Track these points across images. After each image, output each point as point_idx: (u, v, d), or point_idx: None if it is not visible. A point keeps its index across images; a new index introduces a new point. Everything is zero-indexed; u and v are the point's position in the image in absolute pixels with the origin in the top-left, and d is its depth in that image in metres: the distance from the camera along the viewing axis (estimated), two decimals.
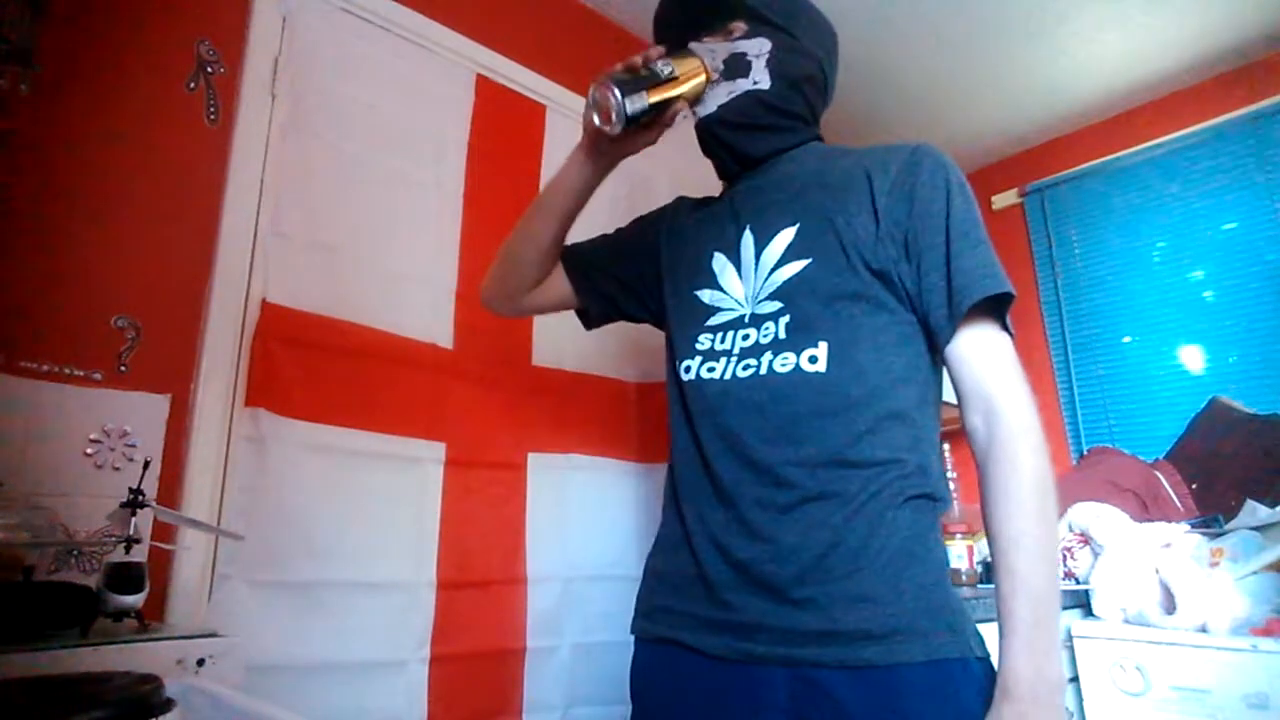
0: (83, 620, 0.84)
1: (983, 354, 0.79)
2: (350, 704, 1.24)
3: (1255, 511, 1.72)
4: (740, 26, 0.93)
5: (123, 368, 1.15)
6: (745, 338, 0.87)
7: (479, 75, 1.71)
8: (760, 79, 0.90)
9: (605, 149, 0.97)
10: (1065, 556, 1.93)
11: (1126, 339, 2.50)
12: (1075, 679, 1.76)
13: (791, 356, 0.82)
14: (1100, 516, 1.90)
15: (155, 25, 1.27)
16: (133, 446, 1.12)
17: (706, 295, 0.93)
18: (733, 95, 0.91)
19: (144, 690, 0.56)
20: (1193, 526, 1.83)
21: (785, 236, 0.88)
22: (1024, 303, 2.75)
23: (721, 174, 1.02)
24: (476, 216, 1.62)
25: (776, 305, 0.85)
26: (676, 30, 0.98)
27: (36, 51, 1.13)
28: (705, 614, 0.81)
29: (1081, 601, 1.85)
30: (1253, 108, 2.29)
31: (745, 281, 0.90)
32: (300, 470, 1.27)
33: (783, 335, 0.83)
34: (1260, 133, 2.29)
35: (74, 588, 0.87)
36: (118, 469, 1.09)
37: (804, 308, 0.83)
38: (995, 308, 0.79)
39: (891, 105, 2.55)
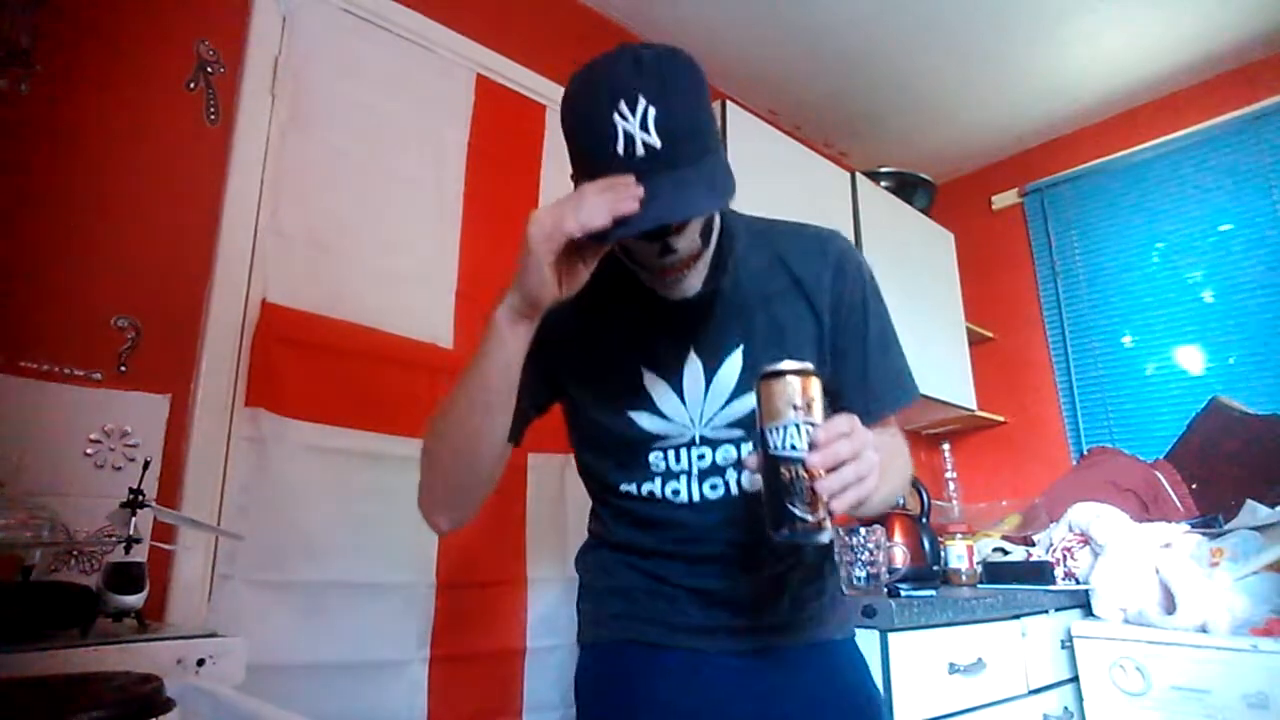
0: (83, 620, 0.84)
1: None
2: (350, 704, 1.24)
3: (1255, 511, 1.72)
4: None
5: (123, 368, 1.15)
6: (701, 458, 0.84)
7: (479, 75, 1.71)
8: (716, 222, 0.82)
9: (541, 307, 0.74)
10: (1065, 556, 1.93)
11: (1126, 339, 2.50)
12: (1075, 679, 1.76)
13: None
14: (1100, 516, 1.90)
15: (155, 25, 1.27)
16: (133, 446, 1.12)
17: (645, 420, 0.85)
18: (710, 257, 0.81)
19: (144, 690, 0.56)
20: (1193, 526, 1.83)
21: (735, 363, 0.83)
22: (1024, 303, 2.75)
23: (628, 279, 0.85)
24: (476, 216, 1.62)
25: (736, 433, 0.83)
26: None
27: (36, 51, 1.13)
28: (667, 620, 0.86)
29: (1081, 601, 1.85)
30: (1253, 108, 2.29)
31: (691, 407, 0.84)
32: (300, 470, 1.27)
33: (744, 454, 0.83)
34: (1260, 133, 2.29)
35: (74, 588, 0.86)
36: (118, 469, 1.09)
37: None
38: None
39: (892, 105, 2.55)
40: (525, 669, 1.49)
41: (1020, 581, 1.90)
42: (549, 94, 1.82)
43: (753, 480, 0.66)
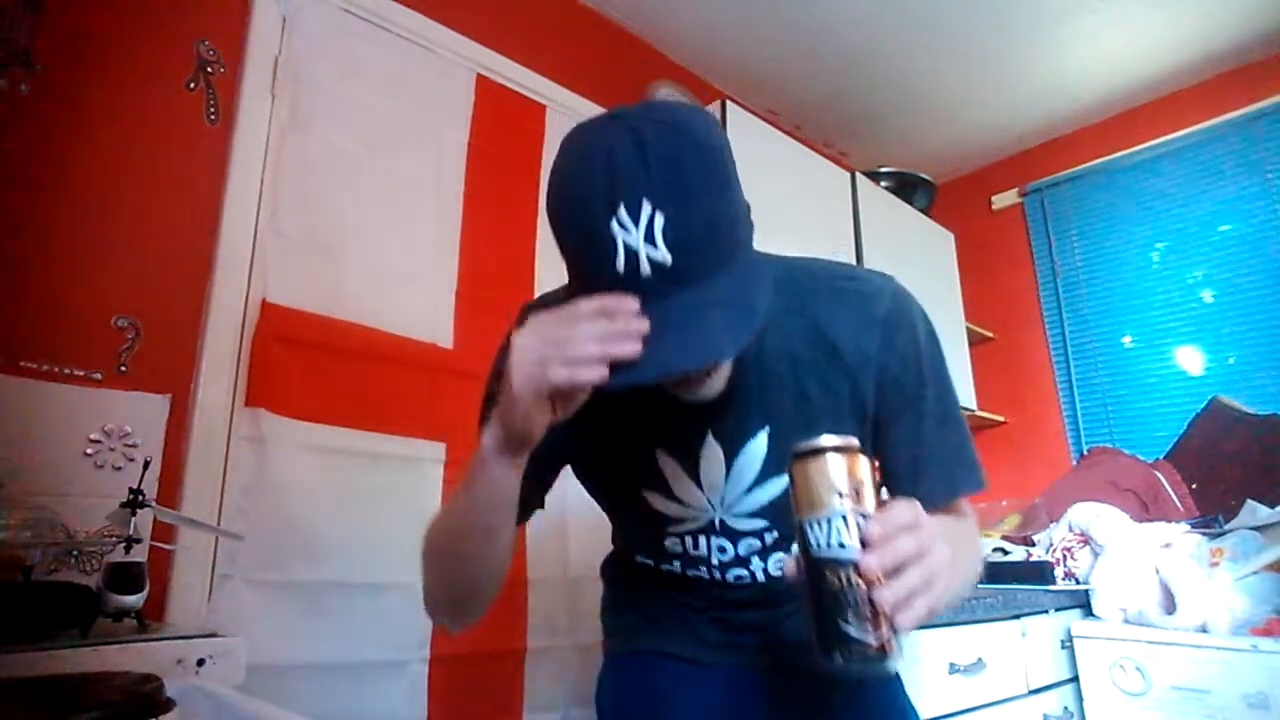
0: (83, 620, 0.84)
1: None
2: (350, 704, 1.24)
3: (1255, 511, 1.72)
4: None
5: (123, 368, 1.14)
6: (722, 550, 0.77)
7: (479, 75, 1.71)
8: None
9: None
10: (1065, 556, 1.93)
11: (1126, 339, 2.50)
12: (1075, 679, 1.76)
13: (783, 555, 0.77)
14: (1100, 516, 1.90)
15: (155, 25, 1.27)
16: (133, 446, 1.12)
17: (658, 501, 0.78)
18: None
19: (144, 690, 0.56)
20: (1193, 526, 1.83)
21: (758, 448, 0.73)
22: (1024, 303, 2.75)
23: None
24: (476, 216, 1.62)
25: (759, 523, 0.76)
26: None
27: (36, 51, 1.13)
28: (692, 636, 0.84)
29: (1081, 601, 1.85)
30: (1253, 108, 2.29)
31: (709, 492, 0.76)
32: (300, 470, 1.27)
33: (769, 543, 0.77)
34: (1260, 133, 2.29)
35: (74, 588, 0.86)
36: (118, 469, 1.09)
37: (792, 521, 0.74)
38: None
39: (892, 105, 2.55)
40: (525, 669, 1.49)
41: (1020, 581, 1.89)
42: (549, 94, 1.82)
43: (798, 592, 0.52)
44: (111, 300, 1.15)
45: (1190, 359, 2.35)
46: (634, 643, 0.88)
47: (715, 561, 0.78)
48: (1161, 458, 2.17)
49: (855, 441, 0.51)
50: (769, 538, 0.76)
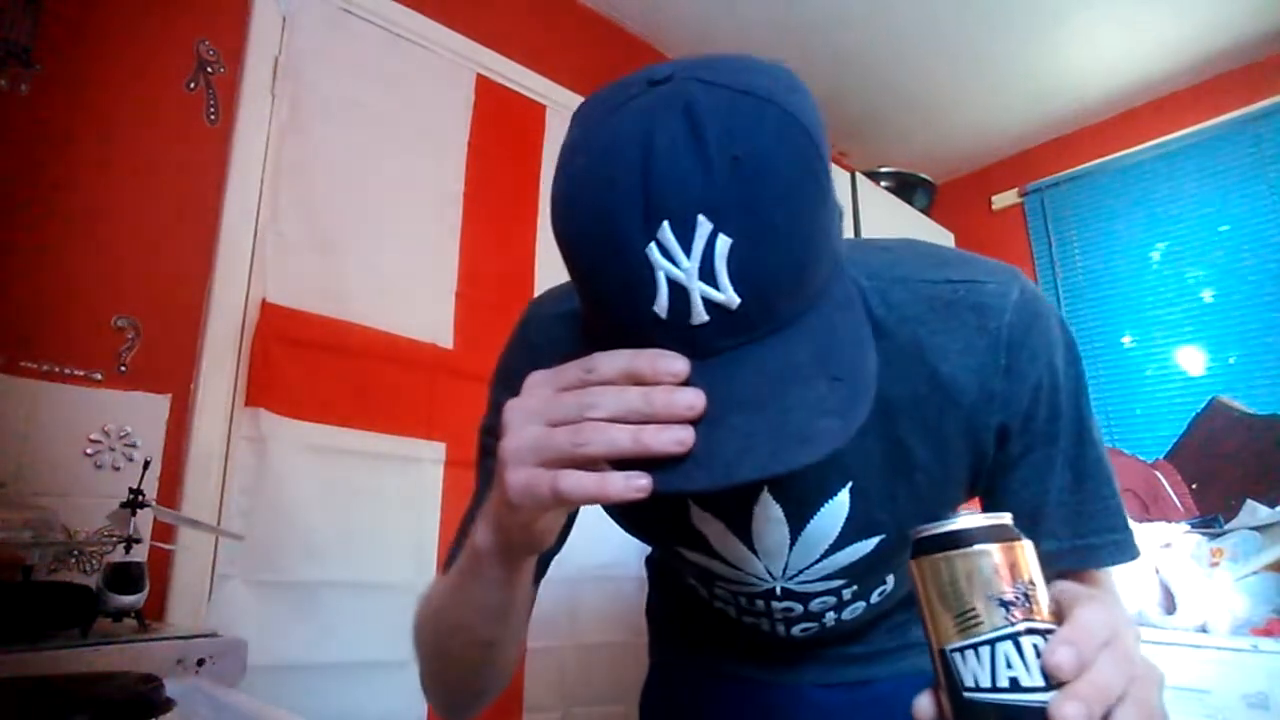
0: (83, 620, 0.84)
1: None
2: (350, 704, 1.24)
3: (1255, 511, 1.72)
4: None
5: (123, 368, 1.14)
6: (788, 610, 0.63)
7: (479, 75, 1.70)
8: None
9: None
10: None
11: (1126, 339, 2.50)
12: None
13: (861, 605, 0.65)
14: None
15: (155, 25, 1.27)
16: (133, 446, 1.12)
17: (700, 559, 0.63)
18: None
19: (144, 690, 0.56)
20: (1193, 526, 1.83)
21: (837, 508, 0.56)
22: None
23: None
24: (476, 216, 1.62)
25: (835, 583, 0.61)
26: None
27: (36, 51, 1.13)
28: (742, 644, 0.75)
29: None
30: (1253, 108, 2.29)
31: (766, 559, 0.60)
32: (300, 470, 1.27)
33: (847, 598, 0.63)
34: (1260, 133, 2.29)
35: (74, 588, 0.87)
36: (118, 469, 1.09)
37: (877, 575, 0.63)
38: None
39: (891, 105, 2.55)
40: (525, 669, 1.49)
41: None
42: (549, 94, 1.82)
43: None
44: (111, 300, 1.15)
45: (1190, 359, 2.35)
46: (681, 651, 0.79)
47: (779, 617, 0.64)
48: (1161, 458, 2.17)
49: (1009, 520, 0.36)
50: (847, 594, 0.62)
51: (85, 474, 1.07)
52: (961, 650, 0.34)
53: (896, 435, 0.54)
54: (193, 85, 1.30)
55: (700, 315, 0.37)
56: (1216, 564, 1.65)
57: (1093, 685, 0.31)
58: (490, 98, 1.71)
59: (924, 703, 0.36)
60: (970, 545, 0.34)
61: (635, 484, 0.36)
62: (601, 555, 1.65)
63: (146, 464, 1.00)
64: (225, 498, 1.20)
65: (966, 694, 0.33)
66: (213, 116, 1.31)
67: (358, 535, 1.31)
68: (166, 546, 1.08)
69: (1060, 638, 0.32)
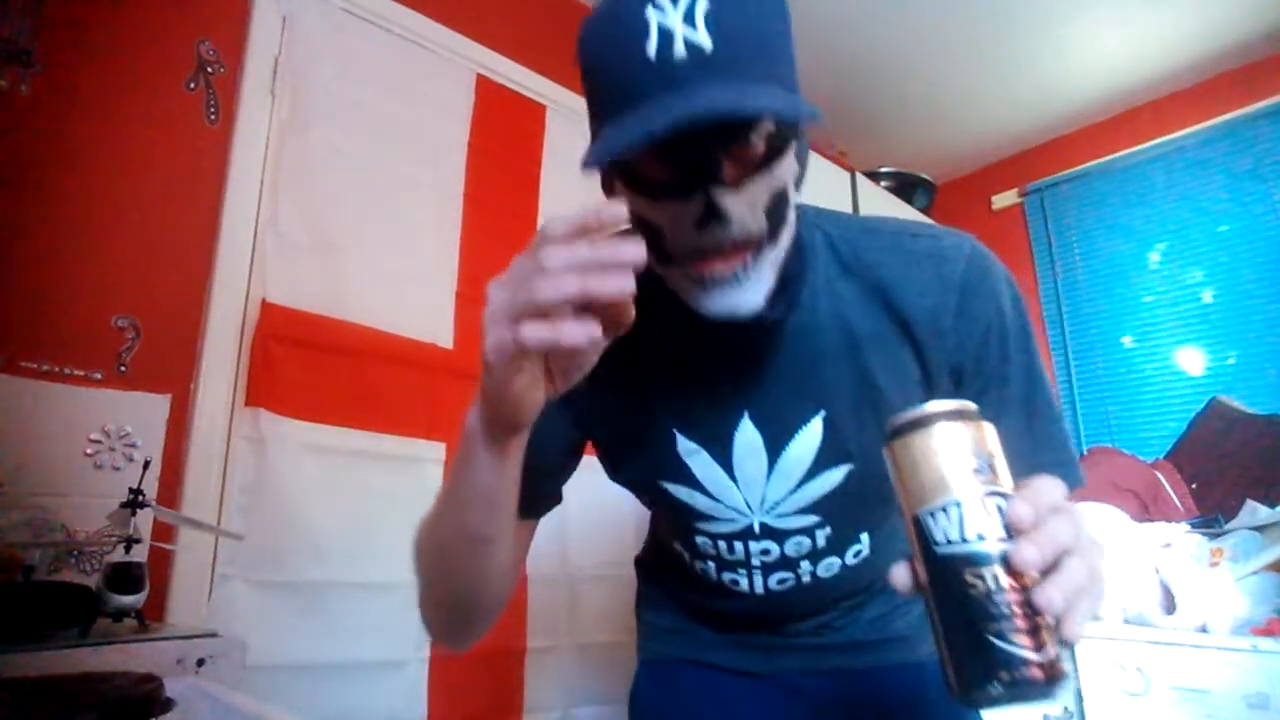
0: (83, 620, 0.84)
1: None
2: (350, 704, 1.24)
3: (1255, 511, 1.72)
4: (766, 128, 0.54)
5: (123, 368, 1.14)
6: (765, 552, 0.68)
7: (479, 75, 1.71)
8: (792, 212, 0.57)
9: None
10: None
11: (1126, 339, 2.50)
12: (1075, 679, 1.76)
13: (835, 560, 0.70)
14: (1100, 516, 1.90)
15: (155, 25, 1.27)
16: (133, 446, 1.12)
17: (684, 494, 0.67)
18: (779, 265, 0.56)
19: (144, 690, 0.56)
20: (1193, 526, 1.83)
21: (811, 436, 0.62)
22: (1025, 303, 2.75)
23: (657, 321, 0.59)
24: (476, 216, 1.62)
25: (809, 520, 0.66)
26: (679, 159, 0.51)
27: (36, 51, 1.13)
28: (729, 636, 0.79)
29: None
30: (1253, 108, 2.29)
31: (745, 488, 0.65)
32: (300, 470, 1.27)
33: (821, 545, 0.68)
34: (1260, 133, 2.29)
35: (74, 588, 0.87)
36: (118, 469, 1.09)
37: (849, 516, 0.67)
38: None
39: (891, 105, 2.55)
40: (525, 669, 1.49)
41: None
42: (549, 94, 1.82)
43: (921, 602, 0.40)
44: (111, 300, 1.15)
45: (1190, 359, 2.35)
46: (675, 649, 0.82)
47: (757, 564, 0.68)
48: (1161, 458, 2.17)
49: (973, 406, 0.40)
50: (820, 536, 0.66)
51: (85, 474, 1.07)
52: (932, 512, 0.38)
53: (863, 367, 0.61)
54: (193, 85, 1.30)
55: (680, 52, 0.46)
56: (1216, 564, 1.65)
57: (1047, 536, 0.37)
58: (490, 98, 1.71)
59: (900, 571, 0.40)
60: (935, 424, 0.39)
61: (586, 328, 0.41)
62: (601, 555, 1.65)
63: (146, 464, 1.00)
64: (225, 497, 1.20)
65: (937, 548, 0.38)
66: (213, 116, 1.31)
67: (358, 535, 1.31)
68: (166, 546, 1.08)
69: (1021, 496, 0.38)
